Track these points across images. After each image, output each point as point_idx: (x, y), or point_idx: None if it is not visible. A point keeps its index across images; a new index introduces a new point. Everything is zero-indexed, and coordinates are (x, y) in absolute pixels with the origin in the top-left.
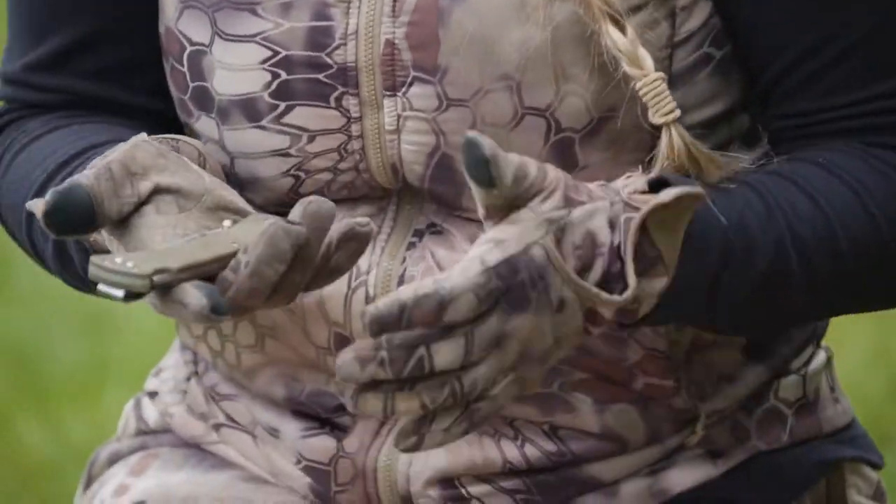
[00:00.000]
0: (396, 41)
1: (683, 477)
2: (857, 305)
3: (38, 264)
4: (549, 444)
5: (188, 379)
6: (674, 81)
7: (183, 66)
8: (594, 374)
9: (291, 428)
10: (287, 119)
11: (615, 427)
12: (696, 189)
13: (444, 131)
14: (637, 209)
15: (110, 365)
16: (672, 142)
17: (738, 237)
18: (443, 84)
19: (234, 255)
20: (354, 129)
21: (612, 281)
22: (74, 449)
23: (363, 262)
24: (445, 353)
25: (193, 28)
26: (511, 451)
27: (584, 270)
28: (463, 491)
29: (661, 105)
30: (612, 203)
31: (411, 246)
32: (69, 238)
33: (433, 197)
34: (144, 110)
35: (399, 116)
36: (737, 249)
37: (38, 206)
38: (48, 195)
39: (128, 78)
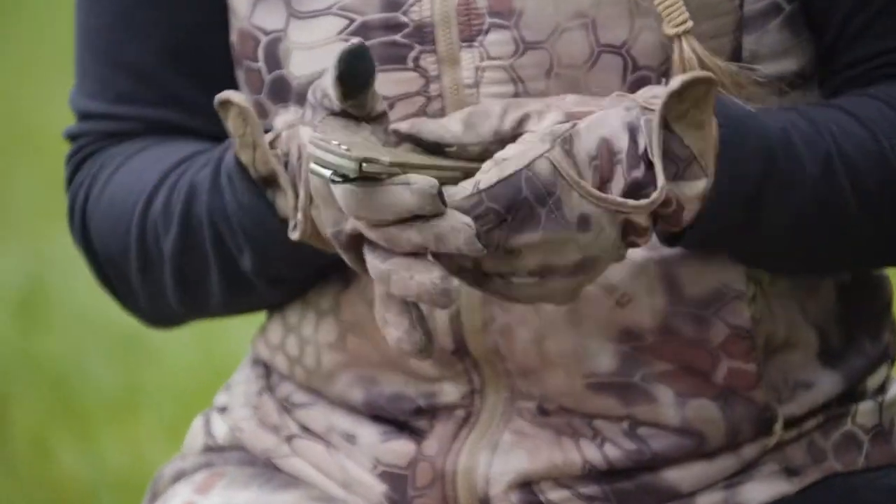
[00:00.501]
0: None
1: (760, 492)
2: None
3: (140, 289)
4: (628, 443)
5: (260, 393)
6: (746, 24)
7: (258, 61)
8: (677, 362)
9: (369, 433)
10: None
11: (695, 422)
12: (706, 73)
13: (522, 78)
14: (654, 110)
15: (145, 390)
16: (683, 54)
17: (781, 146)
18: (519, 27)
19: (451, 168)
20: (433, 88)
21: (642, 188)
22: (110, 473)
23: None
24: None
25: (268, 17)
26: (591, 452)
27: (604, 182)
28: (542, 497)
29: (673, 16)
30: (628, 108)
31: None
32: (355, 100)
33: None
34: (215, 134)
35: (477, 69)
36: (780, 159)
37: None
38: (335, 58)
39: (199, 101)
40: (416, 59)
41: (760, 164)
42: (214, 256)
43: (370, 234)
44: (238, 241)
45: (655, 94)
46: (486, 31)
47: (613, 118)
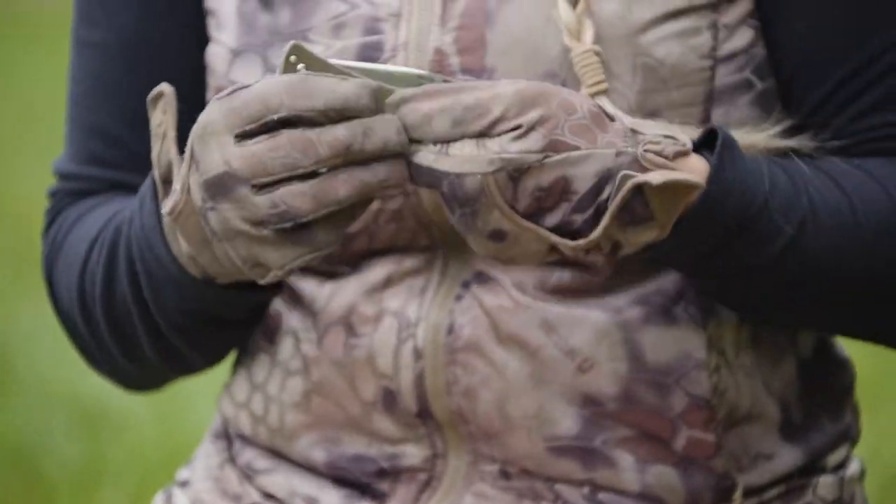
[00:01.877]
0: (445, 47)
1: None
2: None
3: (90, 343)
4: None
5: (221, 466)
6: (716, 97)
7: None
8: (638, 429)
9: (331, 496)
10: None
11: (655, 488)
12: (694, 180)
13: None
14: (643, 168)
15: (108, 464)
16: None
17: (756, 211)
18: None
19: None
20: None
21: (580, 226)
22: None
23: (412, 314)
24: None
25: (246, 73)
26: None
27: (539, 212)
28: None
29: (588, 77)
30: (619, 153)
31: (459, 298)
32: None
33: None
34: None
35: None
36: (753, 226)
37: None
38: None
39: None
40: None
41: (731, 229)
42: (130, 295)
43: (286, 143)
44: (138, 269)
45: (654, 146)
46: None
47: (593, 163)
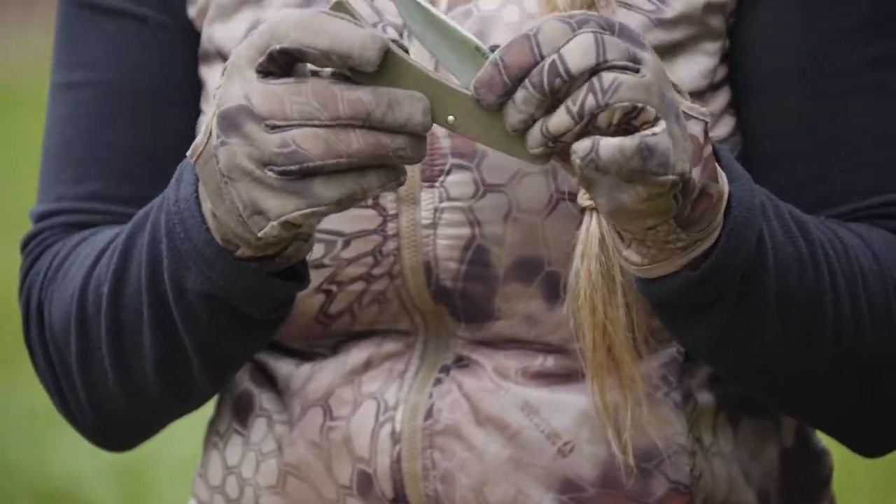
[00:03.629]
0: (435, 130)
1: None
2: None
3: (79, 373)
4: None
5: None
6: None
7: None
8: None
9: None
10: (323, 224)
11: None
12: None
13: (480, 220)
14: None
15: None
16: (590, 227)
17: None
18: (480, 169)
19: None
20: (390, 227)
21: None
22: None
23: (390, 397)
24: (576, 52)
25: None
26: None
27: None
28: None
29: None
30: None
31: (438, 382)
32: None
33: (465, 306)
34: None
35: (436, 209)
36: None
37: None
38: None
39: None
40: (376, 197)
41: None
42: (146, 284)
43: (310, 96)
44: (163, 249)
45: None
46: (448, 172)
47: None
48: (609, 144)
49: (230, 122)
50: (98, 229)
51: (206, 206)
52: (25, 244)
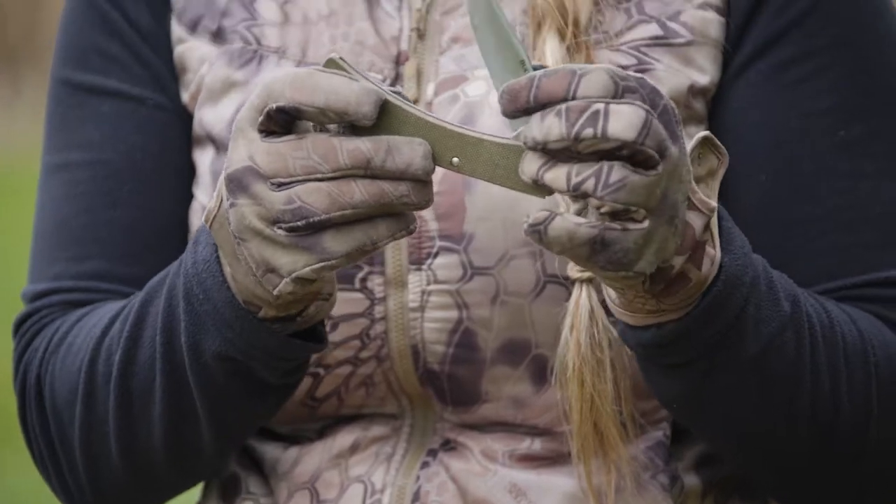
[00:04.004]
0: (423, 213)
1: None
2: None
3: (81, 445)
4: None
5: None
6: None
7: None
8: None
9: None
10: None
11: None
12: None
13: (468, 303)
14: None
15: None
16: (580, 299)
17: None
18: (468, 252)
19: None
20: (378, 310)
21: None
22: None
23: (377, 480)
24: (623, 119)
25: None
26: None
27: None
28: None
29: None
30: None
31: (425, 465)
32: None
33: (452, 389)
34: None
35: (423, 292)
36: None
37: None
38: None
39: None
40: (364, 280)
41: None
42: (161, 350)
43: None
44: (180, 312)
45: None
46: (435, 255)
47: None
48: (561, 224)
49: (237, 183)
50: (101, 304)
51: (227, 270)
52: (20, 324)
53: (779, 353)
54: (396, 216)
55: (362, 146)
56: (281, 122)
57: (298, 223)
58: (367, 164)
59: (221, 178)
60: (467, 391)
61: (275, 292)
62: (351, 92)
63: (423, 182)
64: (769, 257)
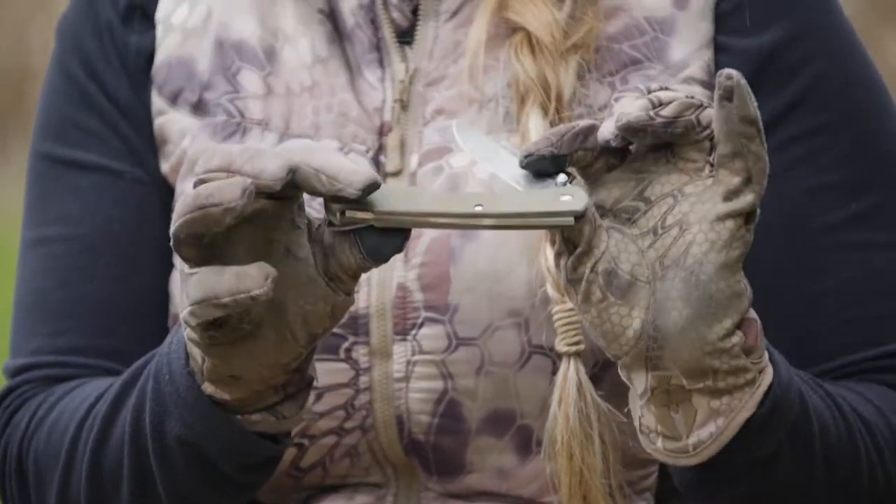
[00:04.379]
0: (408, 283)
1: None
2: None
3: None
4: None
5: None
6: None
7: None
8: None
9: None
10: None
11: None
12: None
13: (453, 374)
14: None
15: None
16: (568, 373)
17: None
18: (453, 323)
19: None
20: (363, 381)
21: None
22: None
23: None
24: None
25: None
26: None
27: None
28: None
29: (568, 334)
30: None
31: None
32: None
33: (437, 459)
34: None
35: (408, 363)
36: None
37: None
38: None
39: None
40: (349, 351)
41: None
42: (129, 431)
43: None
44: (148, 390)
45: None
46: (420, 325)
47: None
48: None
49: None
50: (85, 380)
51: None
52: (1, 399)
53: (836, 430)
54: (242, 275)
55: (233, 149)
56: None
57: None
58: (230, 167)
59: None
60: (452, 461)
61: (193, 324)
62: (350, 165)
63: (244, 188)
64: (790, 333)
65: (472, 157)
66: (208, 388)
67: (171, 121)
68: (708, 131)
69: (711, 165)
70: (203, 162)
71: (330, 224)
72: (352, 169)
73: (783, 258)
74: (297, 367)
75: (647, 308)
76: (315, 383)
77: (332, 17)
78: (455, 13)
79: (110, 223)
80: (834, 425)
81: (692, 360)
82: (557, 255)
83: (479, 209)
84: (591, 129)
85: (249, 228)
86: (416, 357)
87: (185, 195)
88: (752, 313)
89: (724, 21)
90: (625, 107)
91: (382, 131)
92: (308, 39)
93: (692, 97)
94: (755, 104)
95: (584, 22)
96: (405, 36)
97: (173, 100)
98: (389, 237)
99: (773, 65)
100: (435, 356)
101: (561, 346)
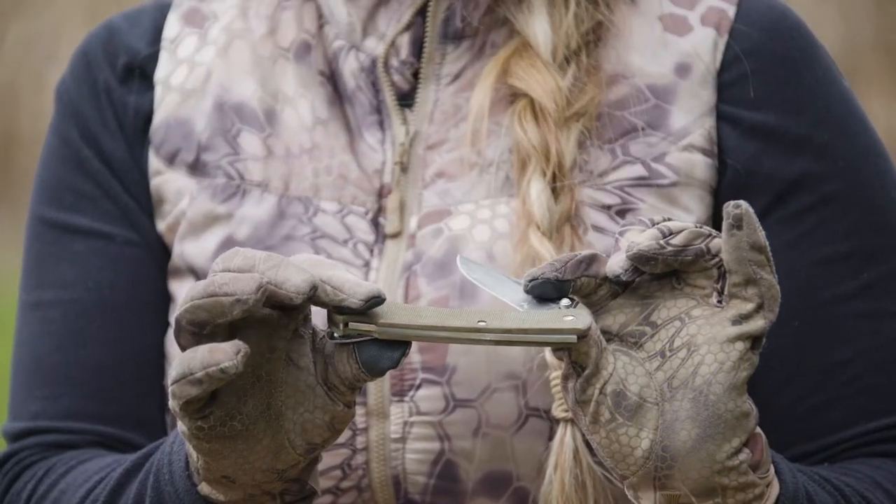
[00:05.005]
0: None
1: None
2: None
3: None
4: None
5: None
6: None
7: None
8: None
9: None
10: None
11: None
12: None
13: (450, 435)
14: None
15: None
16: (564, 439)
17: None
18: (450, 384)
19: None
20: (359, 441)
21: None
22: None
23: None
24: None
25: None
26: None
27: None
28: None
29: (564, 403)
30: None
31: None
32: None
33: None
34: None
35: (405, 423)
36: None
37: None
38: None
39: (141, 425)
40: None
41: None
42: None
43: None
44: (148, 486)
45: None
46: (418, 387)
47: None
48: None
49: None
50: (84, 454)
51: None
52: (2, 463)
53: None
54: (214, 349)
55: (257, 254)
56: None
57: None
58: (251, 270)
59: None
60: None
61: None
62: (354, 279)
63: (259, 284)
64: (806, 403)
65: (478, 284)
66: (205, 488)
67: (168, 181)
68: (717, 259)
69: (719, 292)
70: (223, 260)
71: (332, 335)
72: (356, 282)
73: (804, 327)
74: (296, 476)
75: (656, 429)
76: (317, 496)
77: (332, 79)
78: (456, 77)
79: (102, 287)
80: None
81: (701, 478)
82: (564, 378)
83: (481, 324)
84: (595, 258)
85: (253, 332)
86: (414, 418)
87: (197, 283)
88: (758, 428)
89: (726, 90)
90: (634, 237)
91: (382, 193)
92: (308, 101)
93: (701, 226)
94: (763, 232)
95: (587, 90)
96: (406, 99)
97: (170, 160)
98: (388, 350)
99: (778, 138)
100: (432, 417)
101: (558, 412)
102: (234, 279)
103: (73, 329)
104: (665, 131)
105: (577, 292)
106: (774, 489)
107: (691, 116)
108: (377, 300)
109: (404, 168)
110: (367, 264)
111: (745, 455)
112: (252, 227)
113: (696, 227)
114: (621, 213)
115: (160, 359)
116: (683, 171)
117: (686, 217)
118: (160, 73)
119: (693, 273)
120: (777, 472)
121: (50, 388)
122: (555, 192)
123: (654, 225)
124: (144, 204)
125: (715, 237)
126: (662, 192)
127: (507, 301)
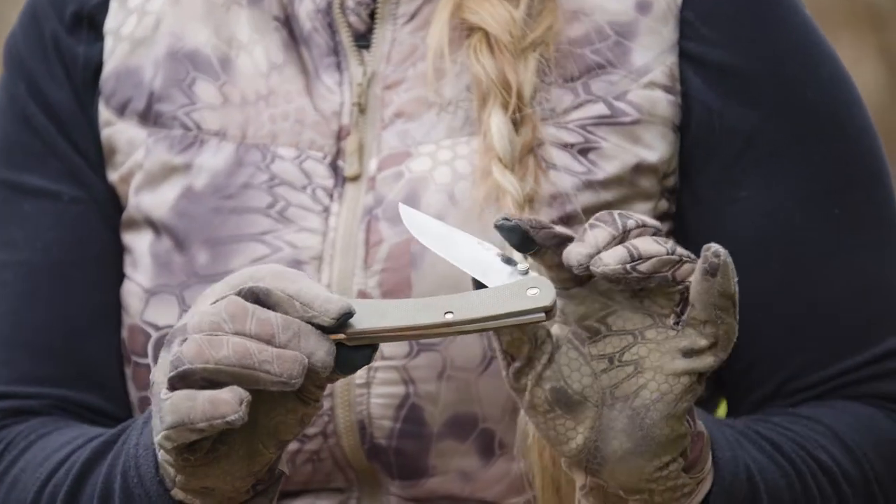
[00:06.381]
0: (369, 290)
1: None
2: None
3: None
4: None
5: None
6: None
7: (147, 356)
8: None
9: None
10: None
11: None
12: None
13: (414, 379)
14: None
15: None
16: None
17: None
18: None
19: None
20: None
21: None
22: None
23: None
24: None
25: (161, 313)
26: None
27: None
28: None
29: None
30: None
31: None
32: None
33: (399, 464)
34: (118, 417)
35: (369, 368)
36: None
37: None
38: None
39: (99, 385)
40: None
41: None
42: None
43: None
44: (115, 488)
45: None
46: None
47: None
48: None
49: (167, 339)
50: (44, 425)
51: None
52: None
53: (791, 498)
54: (216, 401)
55: (273, 319)
56: (250, 300)
57: (172, 373)
58: (271, 339)
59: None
60: (414, 466)
61: (168, 447)
62: (323, 292)
63: (303, 367)
64: (783, 345)
65: (427, 246)
66: (179, 494)
67: (119, 131)
68: (681, 287)
69: (677, 315)
70: (232, 319)
71: None
72: (326, 297)
73: (771, 270)
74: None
75: (592, 428)
76: (284, 476)
77: (287, 23)
78: (412, 17)
79: (49, 247)
80: (791, 499)
81: (629, 483)
82: (503, 360)
83: (449, 317)
84: (568, 239)
85: None
86: (378, 363)
87: (214, 340)
88: (700, 426)
89: (688, 27)
90: (601, 238)
91: (340, 136)
92: (263, 47)
93: (673, 252)
94: (736, 280)
95: (542, 19)
96: (363, 40)
97: (121, 110)
98: (361, 351)
99: (743, 76)
100: (396, 361)
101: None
102: (278, 358)
103: (24, 291)
104: (626, 69)
105: (540, 259)
106: (706, 485)
107: (652, 53)
108: (348, 315)
109: (362, 109)
110: (326, 209)
111: (675, 465)
112: (210, 176)
113: (668, 254)
114: (584, 151)
115: (114, 316)
116: (646, 109)
117: (649, 154)
118: (110, 24)
119: (655, 293)
120: (715, 461)
121: (3, 353)
122: (515, 123)
123: (625, 231)
124: (94, 157)
125: (685, 263)
126: (625, 131)
127: (462, 268)
